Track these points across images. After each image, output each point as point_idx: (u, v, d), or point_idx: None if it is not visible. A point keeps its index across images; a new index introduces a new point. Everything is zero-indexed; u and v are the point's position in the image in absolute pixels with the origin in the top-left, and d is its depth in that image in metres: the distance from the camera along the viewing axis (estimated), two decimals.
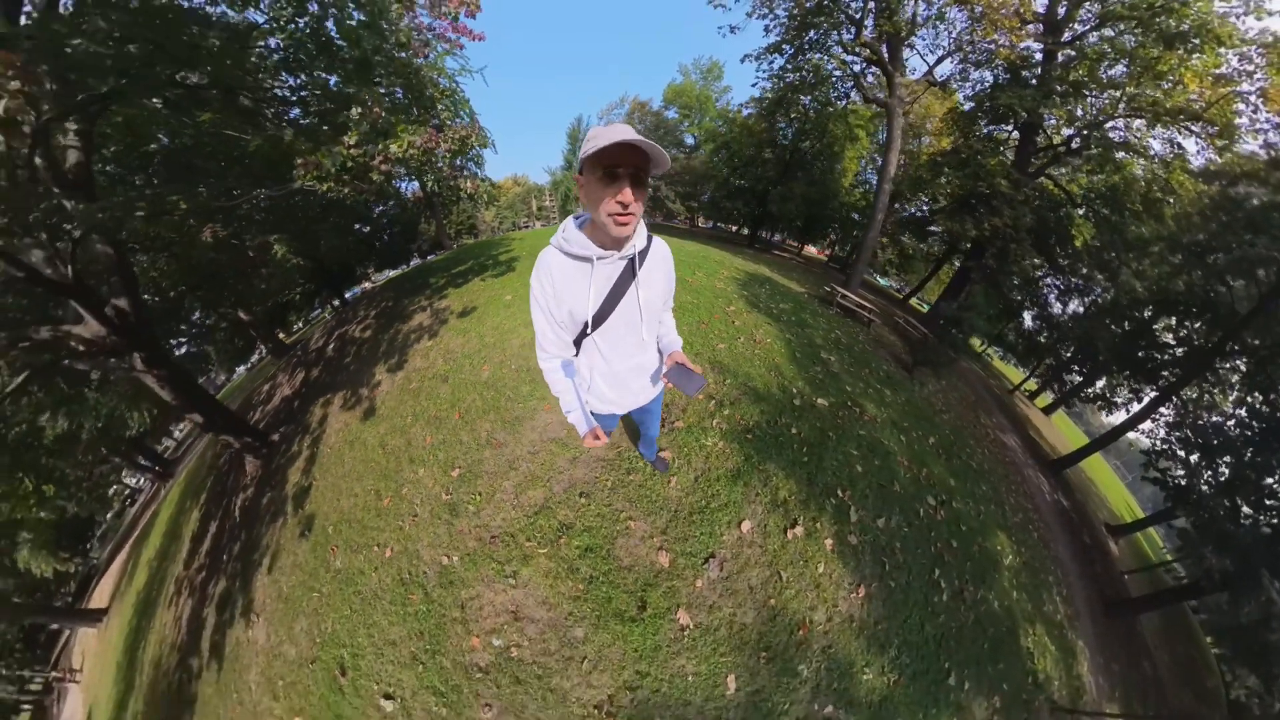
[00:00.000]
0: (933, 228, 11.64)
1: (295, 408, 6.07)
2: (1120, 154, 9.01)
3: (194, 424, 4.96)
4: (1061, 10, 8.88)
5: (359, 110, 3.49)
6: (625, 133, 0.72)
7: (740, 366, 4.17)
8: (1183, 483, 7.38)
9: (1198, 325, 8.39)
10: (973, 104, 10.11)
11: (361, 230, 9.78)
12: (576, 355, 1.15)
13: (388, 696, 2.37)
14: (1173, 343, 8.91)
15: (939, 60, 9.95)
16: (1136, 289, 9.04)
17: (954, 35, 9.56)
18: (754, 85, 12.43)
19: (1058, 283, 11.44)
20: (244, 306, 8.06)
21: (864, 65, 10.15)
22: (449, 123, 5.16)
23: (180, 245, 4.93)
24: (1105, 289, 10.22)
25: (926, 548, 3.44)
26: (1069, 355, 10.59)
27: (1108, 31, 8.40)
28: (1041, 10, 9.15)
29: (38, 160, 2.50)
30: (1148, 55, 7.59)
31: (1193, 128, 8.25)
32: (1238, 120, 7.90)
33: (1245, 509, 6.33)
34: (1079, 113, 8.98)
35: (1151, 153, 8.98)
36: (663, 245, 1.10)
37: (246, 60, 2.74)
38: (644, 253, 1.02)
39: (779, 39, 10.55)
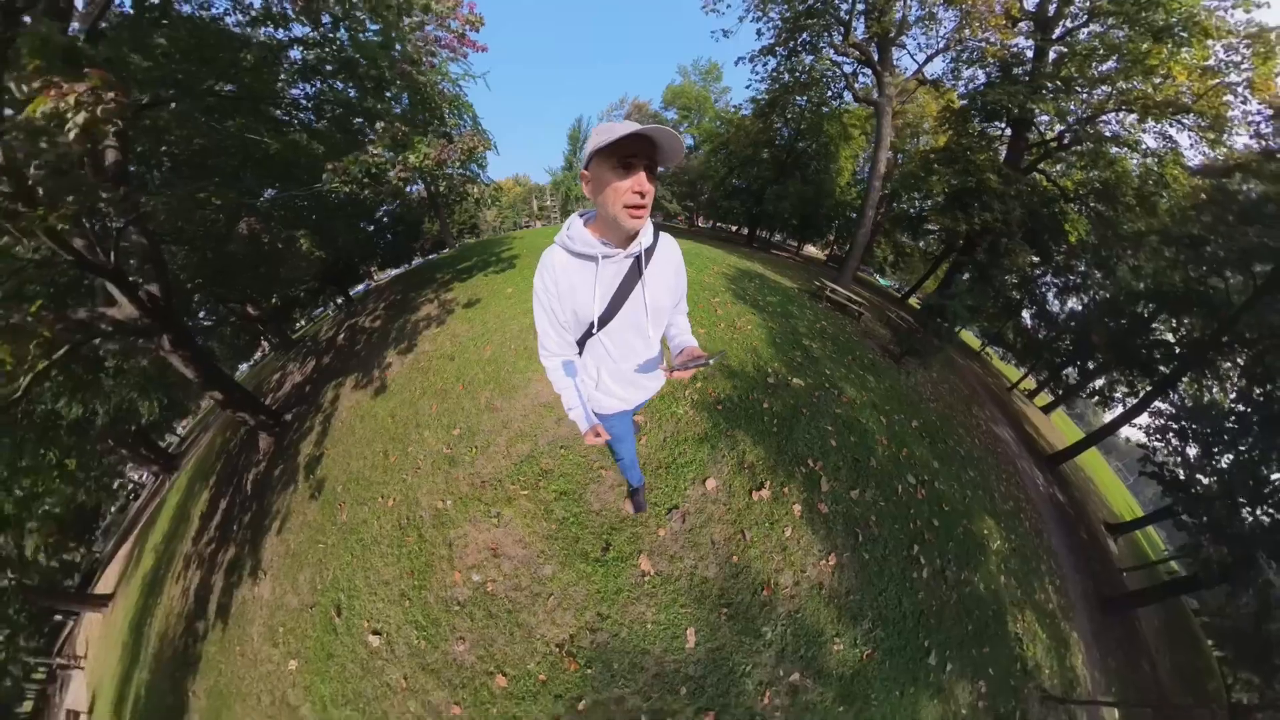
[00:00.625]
0: (927, 225, 11.93)
1: (307, 391, 6.53)
2: (1113, 149, 9.25)
3: (214, 401, 5.38)
4: (1052, 8, 9.22)
5: (382, 125, 4.06)
6: (651, 126, 0.74)
7: (717, 348, 4.49)
8: (1180, 475, 7.49)
9: (1192, 319, 8.53)
10: (965, 101, 10.45)
11: (366, 228, 10.37)
12: (580, 354, 1.15)
13: (375, 633, 2.69)
14: (1170, 338, 9.05)
15: (928, 59, 10.32)
16: (1133, 284, 9.22)
17: (944, 35, 9.95)
18: (748, 87, 12.95)
19: (1056, 281, 11.62)
20: (257, 299, 8.57)
21: (856, 66, 10.57)
22: (456, 130, 5.76)
23: (214, 237, 5.42)
24: (1102, 285, 10.39)
25: (904, 524, 3.60)
26: (1067, 350, 10.72)
27: (1096, 27, 8.72)
28: (1032, 8, 9.51)
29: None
30: (1137, 49, 7.85)
31: (1184, 120, 8.48)
32: (1229, 113, 8.11)
33: (1241, 500, 6.43)
34: (1070, 108, 9.25)
35: (1144, 147, 9.22)
36: (671, 243, 1.07)
37: (276, 74, 3.21)
38: (650, 250, 1.00)
39: (772, 41, 11.03)
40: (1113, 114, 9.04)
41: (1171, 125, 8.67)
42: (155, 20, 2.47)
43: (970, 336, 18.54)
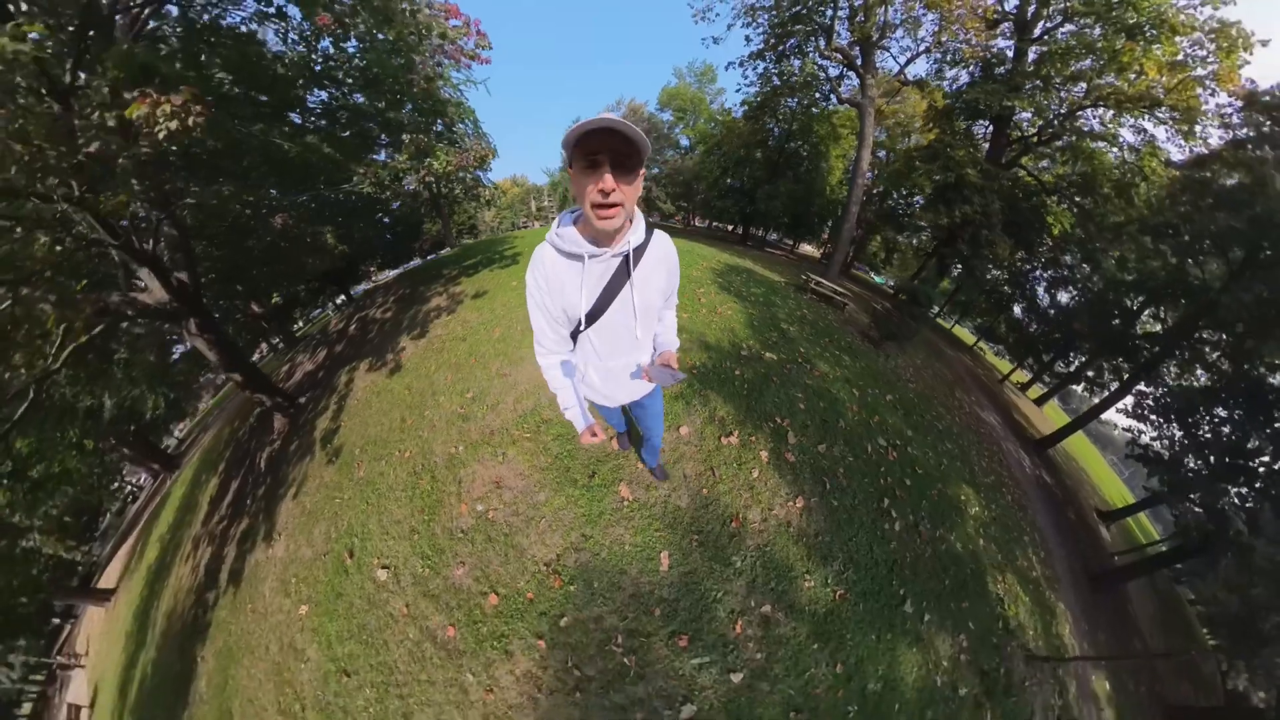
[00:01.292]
0: (917, 222, 12.46)
1: (320, 377, 6.99)
2: (1092, 143, 9.78)
3: (234, 383, 5.81)
4: (1031, 9, 9.85)
5: (408, 137, 4.75)
6: (603, 117, 0.71)
7: (696, 328, 4.94)
8: (1164, 455, 7.82)
9: (1174, 306, 8.94)
10: (948, 101, 11.06)
11: (381, 225, 11.00)
12: (574, 349, 1.16)
13: (384, 567, 3.08)
14: (1153, 325, 9.45)
15: (909, 61, 10.97)
16: (1116, 274, 9.64)
17: (924, 37, 10.59)
18: (737, 91, 13.64)
19: (1046, 275, 12.07)
20: (262, 298, 9.09)
21: (840, 69, 11.22)
22: (464, 138, 6.56)
23: (239, 231, 5.98)
24: (1088, 277, 10.83)
25: (874, 479, 3.96)
26: (1056, 342, 11.13)
27: (1070, 27, 9.32)
28: (1013, 10, 10.14)
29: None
30: (1111, 47, 8.38)
31: (1159, 114, 8.99)
32: (1202, 106, 8.60)
33: (1219, 472, 6.76)
34: (1048, 105, 9.80)
35: (1122, 141, 9.75)
36: (665, 240, 1.07)
37: (301, 84, 3.76)
38: (641, 249, 1.00)
39: (761, 47, 11.71)
40: (1089, 110, 9.59)
41: (1147, 119, 9.20)
42: (206, 38, 3.01)
43: (965, 332, 18.98)
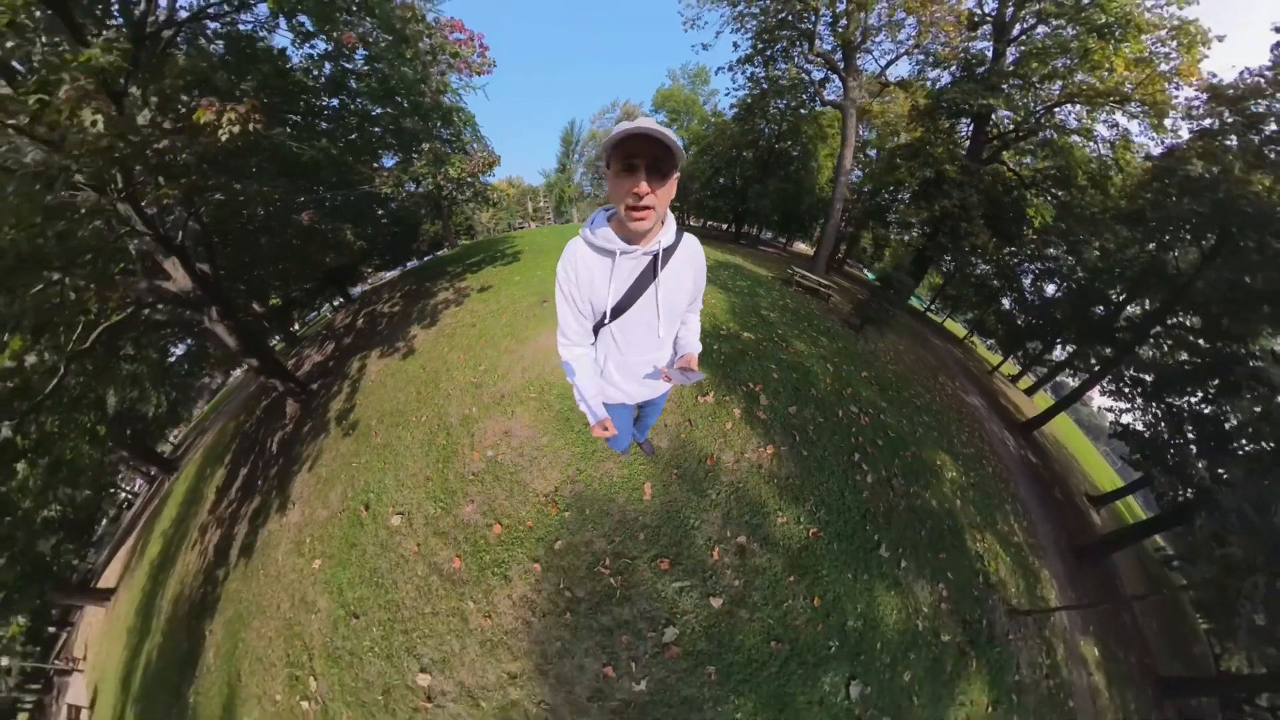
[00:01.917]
0: (906, 218, 13.05)
1: (330, 366, 7.46)
2: (1070, 137, 10.42)
3: (250, 368, 6.24)
4: (1009, 12, 10.53)
5: (427, 145, 5.43)
6: (641, 123, 0.75)
7: None
8: (1145, 433, 8.22)
9: (1151, 292, 9.43)
10: (929, 100, 11.71)
11: (378, 228, 11.53)
12: (595, 343, 1.21)
13: (398, 514, 3.47)
14: (1131, 310, 9.94)
15: (889, 63, 11.65)
16: (1097, 263, 10.15)
17: (904, 40, 11.27)
18: (727, 94, 14.39)
19: (1033, 267, 12.61)
20: (264, 297, 9.54)
21: (824, 72, 11.90)
22: (469, 144, 7.34)
23: (260, 229, 6.47)
24: (1073, 269, 11.34)
25: (844, 438, 4.41)
26: (1040, 329, 11.60)
27: (1043, 28, 9.99)
28: (991, 12, 10.84)
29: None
30: (1084, 46, 9.02)
31: (1131, 109, 9.59)
32: (1172, 99, 9.17)
33: (1192, 441, 7.14)
34: (1024, 102, 10.44)
35: (1097, 135, 10.36)
36: (694, 243, 1.11)
37: (322, 96, 4.33)
38: (670, 250, 1.05)
39: (749, 52, 12.42)
40: (1065, 106, 10.21)
41: (1120, 114, 9.81)
42: (248, 55, 3.58)
43: (957, 326, 19.49)
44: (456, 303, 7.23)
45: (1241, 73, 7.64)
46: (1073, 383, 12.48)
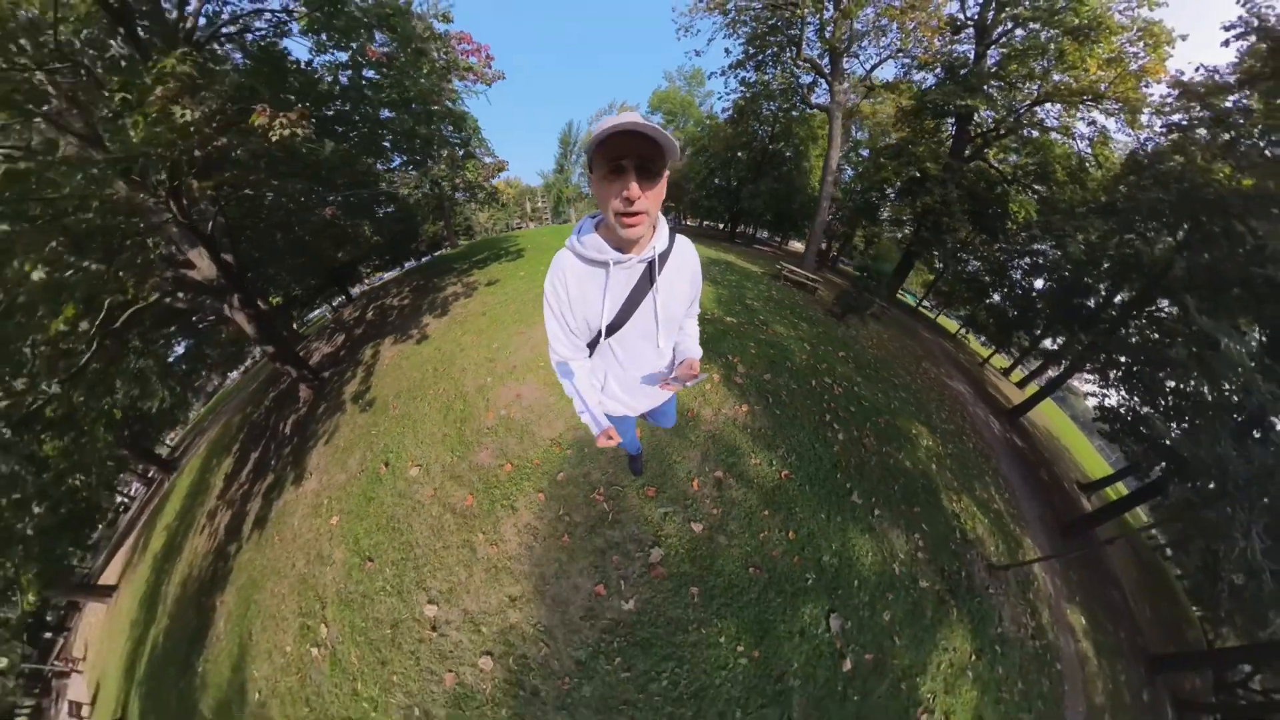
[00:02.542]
0: (887, 213, 13.72)
1: (342, 355, 7.94)
2: (1037, 134, 11.11)
3: (266, 354, 6.70)
4: (990, 16, 11.26)
5: (446, 151, 6.07)
6: (626, 118, 0.70)
7: None
8: (1120, 408, 8.62)
9: (1128, 281, 9.95)
10: (914, 102, 12.41)
11: (391, 225, 12.14)
12: (590, 357, 1.18)
13: (417, 466, 3.90)
14: (1118, 300, 10.45)
15: (873, 67, 12.39)
16: (1080, 255, 10.69)
17: (888, 45, 12.00)
18: (720, 99, 15.17)
19: (1023, 262, 13.17)
20: (270, 293, 10.08)
21: (812, 76, 12.63)
22: (477, 149, 8.15)
23: (277, 224, 6.99)
24: (1058, 261, 11.89)
25: (816, 403, 4.94)
26: (1029, 321, 12.11)
27: (1021, 31, 10.69)
28: (973, 17, 11.57)
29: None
30: (1060, 48, 9.70)
31: (1107, 106, 10.22)
32: (1148, 98, 9.79)
33: (1169, 417, 7.51)
34: (1002, 102, 11.11)
35: (1077, 132, 11.01)
36: (687, 246, 1.09)
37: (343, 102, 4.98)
38: (665, 255, 1.02)
39: (741, 57, 13.18)
40: (1043, 105, 10.88)
41: (1096, 111, 10.45)
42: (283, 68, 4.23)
43: (950, 322, 20.04)
44: (466, 295, 7.83)
45: (1198, 68, 8.25)
46: (1072, 380, 12.94)
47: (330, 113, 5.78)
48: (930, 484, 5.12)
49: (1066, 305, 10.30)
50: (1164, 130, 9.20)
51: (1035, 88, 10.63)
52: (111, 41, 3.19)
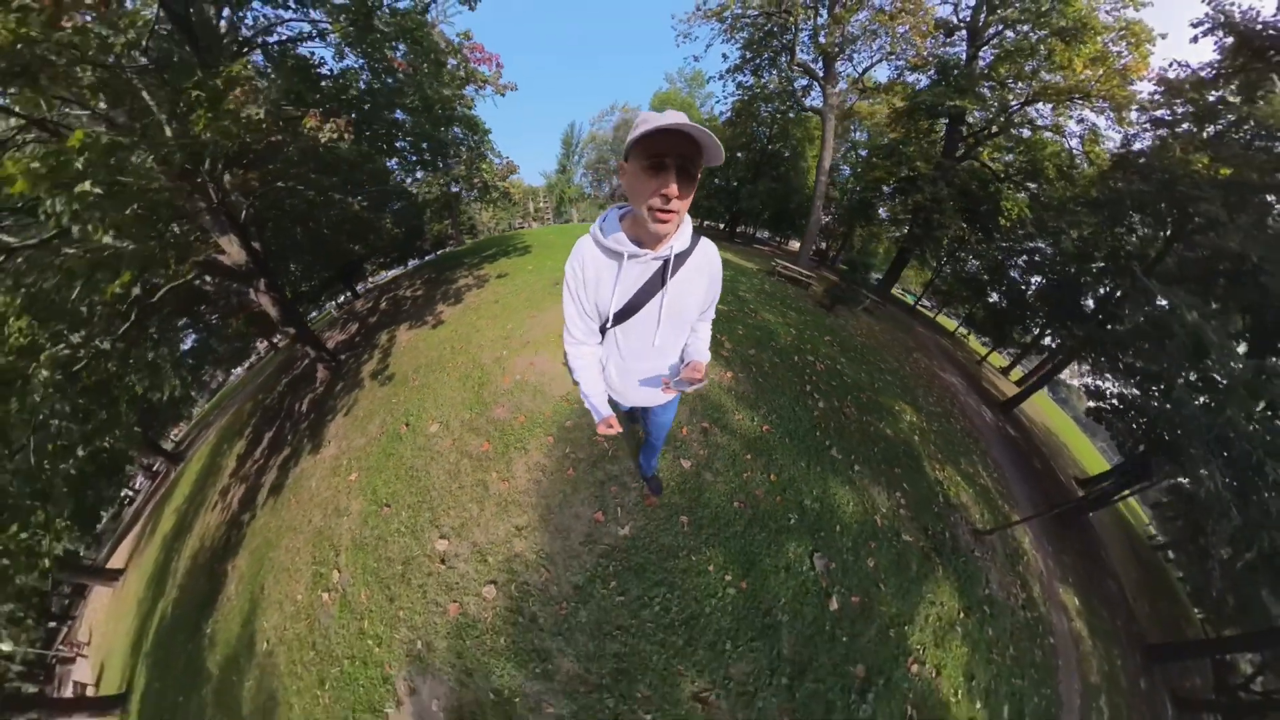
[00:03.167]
0: (886, 212, 14.33)
1: (357, 341, 8.52)
2: (1030, 133, 11.72)
3: (287, 337, 7.31)
4: (981, 19, 11.91)
5: (465, 154, 6.82)
6: (676, 118, 0.72)
7: None
8: (1118, 405, 8.97)
9: (1120, 275, 10.37)
10: (907, 103, 13.05)
11: (404, 221, 13.08)
12: (601, 343, 1.25)
13: (437, 423, 4.37)
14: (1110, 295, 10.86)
15: (865, 70, 13.11)
16: (1074, 250, 11.15)
17: (880, 47, 12.70)
18: (718, 102, 16.00)
19: (1019, 261, 13.64)
20: (286, 285, 10.74)
21: (806, 80, 13.38)
22: (486, 152, 8.97)
23: (296, 218, 7.66)
24: (1053, 258, 12.36)
25: (797, 375, 5.40)
26: (1024, 317, 12.53)
27: (1011, 33, 11.30)
28: (965, 19, 12.26)
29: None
30: (1049, 49, 10.21)
31: (1095, 104, 10.69)
32: (1137, 95, 10.24)
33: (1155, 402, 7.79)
34: (993, 102, 11.70)
35: (1068, 130, 11.55)
36: (710, 249, 1.12)
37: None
38: (683, 256, 1.06)
39: (738, 62, 13.97)
40: (1033, 105, 11.46)
41: (1087, 110, 10.95)
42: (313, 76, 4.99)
43: (949, 321, 20.49)
44: (478, 286, 8.49)
45: (1171, 64, 8.70)
46: (1067, 378, 13.22)
47: (355, 115, 6.56)
48: (912, 452, 5.43)
49: (1061, 301, 10.73)
50: (1147, 125, 9.66)
51: (1025, 88, 11.22)
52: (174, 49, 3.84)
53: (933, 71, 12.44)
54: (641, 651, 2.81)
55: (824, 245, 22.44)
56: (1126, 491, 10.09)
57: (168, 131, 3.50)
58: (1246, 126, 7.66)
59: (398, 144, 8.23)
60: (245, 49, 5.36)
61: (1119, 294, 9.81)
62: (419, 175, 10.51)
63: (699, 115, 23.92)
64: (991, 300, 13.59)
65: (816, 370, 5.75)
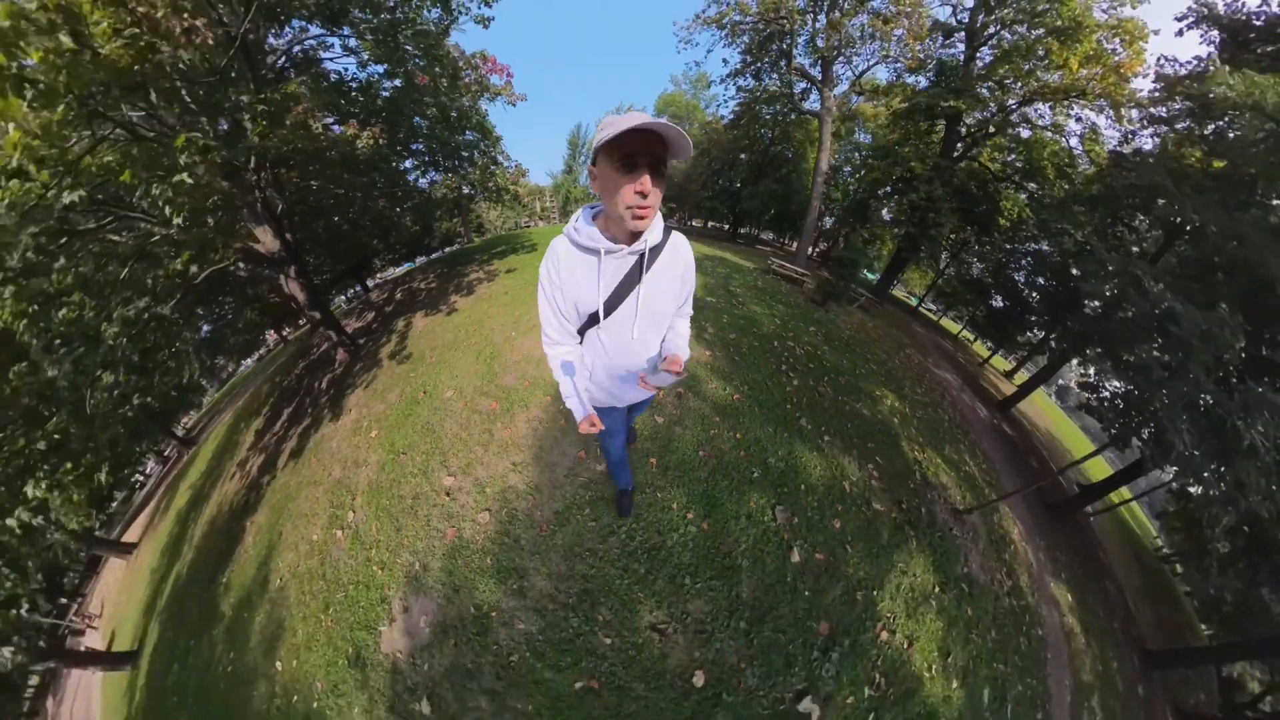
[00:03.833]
0: (889, 213, 15.00)
1: (374, 328, 9.38)
2: (1029, 133, 12.14)
3: (312, 321, 8.28)
4: (980, 20, 12.51)
5: (480, 159, 8.70)
6: (641, 118, 0.79)
7: None
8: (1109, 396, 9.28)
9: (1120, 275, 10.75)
10: (904, 104, 13.74)
11: (423, 218, 14.34)
12: (580, 343, 1.33)
13: (451, 390, 5.17)
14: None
15: (861, 73, 13.96)
16: (1074, 249, 11.56)
17: (875, 52, 13.54)
18: (722, 105, 17.07)
19: (1025, 262, 14.08)
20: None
21: (805, 84, 14.30)
22: (498, 156, 10.29)
23: (319, 212, 8.77)
24: (1051, 257, 12.81)
25: (775, 357, 5.95)
26: (1026, 318, 12.94)
27: (1007, 34, 11.83)
28: (964, 21, 12.93)
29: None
30: (1046, 48, 10.60)
31: (1098, 104, 10.91)
32: (1137, 94, 10.37)
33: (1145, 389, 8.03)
34: (989, 102, 12.19)
35: (1068, 130, 11.95)
36: (682, 243, 1.21)
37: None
38: (657, 250, 1.14)
39: (739, 66, 14.98)
40: (1030, 104, 11.96)
41: (1087, 109, 11.37)
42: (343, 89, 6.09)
43: (952, 325, 20.91)
44: (488, 280, 9.40)
45: (1159, 60, 9.01)
46: (1072, 386, 13.43)
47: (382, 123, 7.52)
48: (890, 431, 5.51)
49: (1061, 299, 11.14)
50: (1143, 121, 9.88)
51: (1023, 87, 11.59)
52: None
53: (930, 73, 13.09)
54: (606, 575, 3.11)
55: (827, 245, 23.15)
56: (1128, 492, 10.34)
57: (253, 138, 4.35)
58: (1244, 119, 7.95)
59: (414, 146, 9.25)
60: (287, 65, 6.33)
61: (1117, 291, 10.17)
62: (434, 177, 11.54)
63: (703, 117, 24.82)
64: (994, 303, 14.07)
65: (795, 354, 6.32)
